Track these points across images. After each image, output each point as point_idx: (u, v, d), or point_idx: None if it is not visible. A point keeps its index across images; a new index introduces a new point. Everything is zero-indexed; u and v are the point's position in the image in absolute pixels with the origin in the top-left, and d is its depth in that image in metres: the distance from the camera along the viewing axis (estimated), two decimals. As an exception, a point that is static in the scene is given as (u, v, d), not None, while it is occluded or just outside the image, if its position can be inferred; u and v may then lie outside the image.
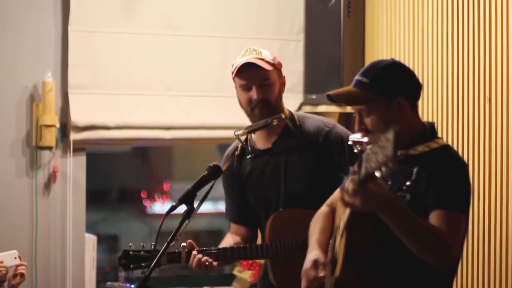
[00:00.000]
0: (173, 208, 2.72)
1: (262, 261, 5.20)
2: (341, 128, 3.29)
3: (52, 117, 4.60)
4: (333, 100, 2.68)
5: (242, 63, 3.25)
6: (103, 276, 5.04)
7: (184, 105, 4.89)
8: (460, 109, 3.99)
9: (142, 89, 4.83)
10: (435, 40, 4.21)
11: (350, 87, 2.63)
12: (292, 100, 4.93)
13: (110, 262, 5.32)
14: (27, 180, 4.66)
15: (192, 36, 4.92)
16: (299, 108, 4.98)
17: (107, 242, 5.42)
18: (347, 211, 2.52)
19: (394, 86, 2.58)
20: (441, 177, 2.52)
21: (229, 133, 4.96)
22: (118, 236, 5.58)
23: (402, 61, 4.43)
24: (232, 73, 3.30)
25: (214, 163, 2.81)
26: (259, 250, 3.16)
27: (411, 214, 2.44)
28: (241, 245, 3.21)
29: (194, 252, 3.14)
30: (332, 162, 3.17)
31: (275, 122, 3.21)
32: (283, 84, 3.29)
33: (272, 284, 3.24)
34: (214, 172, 2.78)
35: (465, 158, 3.92)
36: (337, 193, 2.78)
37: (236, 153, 3.34)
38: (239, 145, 3.34)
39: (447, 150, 2.61)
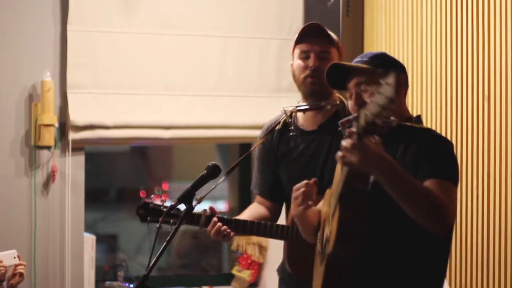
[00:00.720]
0: (172, 207, 2.72)
1: (261, 261, 5.22)
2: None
3: (51, 117, 4.60)
4: (331, 80, 2.73)
5: (308, 24, 3.20)
6: (102, 275, 5.04)
7: (183, 104, 4.89)
8: (459, 108, 3.99)
9: (141, 88, 4.82)
10: (434, 40, 4.21)
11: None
12: (290, 99, 4.93)
13: (109, 261, 5.32)
14: (26, 179, 4.66)
15: (191, 36, 4.92)
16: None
17: (106, 242, 5.42)
18: (339, 188, 2.52)
19: (396, 65, 2.73)
20: (432, 150, 2.58)
21: (228, 133, 5.01)
22: (117, 236, 5.58)
23: (401, 60, 4.46)
24: (295, 41, 3.24)
25: (213, 162, 2.81)
26: (278, 230, 3.11)
27: (409, 176, 2.45)
28: (262, 222, 3.15)
29: (215, 219, 3.10)
30: None
31: (328, 107, 3.17)
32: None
33: (290, 272, 3.23)
34: (213, 172, 2.78)
35: (464, 157, 3.92)
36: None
37: (278, 127, 3.29)
38: (282, 120, 3.28)
39: (433, 131, 2.74)
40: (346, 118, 2.48)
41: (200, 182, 2.75)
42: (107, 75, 4.76)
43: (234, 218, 3.18)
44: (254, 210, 3.33)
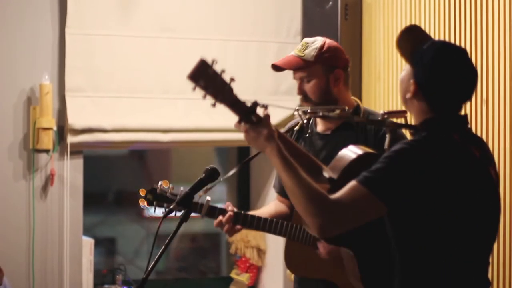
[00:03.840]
0: (170, 211, 2.72)
1: (260, 264, 5.22)
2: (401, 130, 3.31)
3: (49, 120, 4.60)
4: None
5: (278, 63, 3.26)
6: (100, 279, 5.04)
7: (182, 108, 4.89)
8: (457, 111, 4.00)
9: (139, 91, 4.83)
10: (432, 43, 4.21)
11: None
12: (289, 102, 4.94)
13: (108, 265, 5.31)
14: (24, 183, 4.66)
15: (189, 39, 4.92)
16: (296, 111, 4.98)
17: (104, 245, 5.41)
18: None
19: (418, 67, 2.52)
20: (387, 152, 2.43)
21: (227, 136, 5.01)
22: (115, 239, 5.58)
23: (399, 63, 4.47)
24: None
25: (211, 165, 2.81)
26: (278, 227, 3.15)
27: (294, 165, 2.42)
28: (268, 218, 3.20)
29: (230, 212, 3.17)
30: None
31: (337, 111, 3.20)
32: (333, 78, 3.22)
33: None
34: (211, 175, 2.77)
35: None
36: None
37: (296, 128, 3.35)
38: (300, 122, 3.34)
39: (424, 137, 2.45)
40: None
41: (199, 185, 2.74)
42: (105, 78, 4.76)
43: (238, 212, 3.22)
44: (272, 207, 3.41)
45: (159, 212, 3.25)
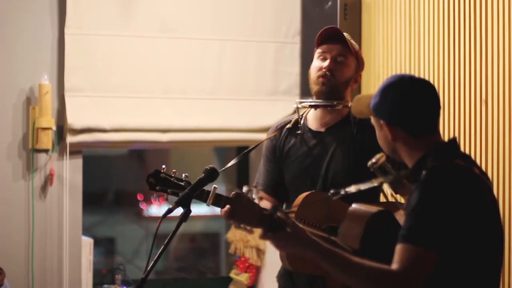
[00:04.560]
0: (170, 211, 2.71)
1: (259, 264, 5.21)
2: None
3: (48, 120, 4.60)
4: None
5: (328, 27, 3.26)
6: (99, 279, 5.04)
7: (181, 108, 4.90)
8: (457, 112, 4.00)
9: (138, 91, 4.83)
10: (432, 44, 4.21)
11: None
12: (288, 102, 4.94)
13: (107, 264, 5.31)
14: (23, 183, 4.65)
15: (189, 39, 4.92)
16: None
17: (103, 245, 5.42)
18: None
19: (378, 107, 2.49)
20: (412, 202, 2.35)
21: (225, 136, 5.01)
22: (115, 239, 5.58)
23: (398, 64, 4.47)
24: (316, 42, 3.30)
25: (211, 165, 2.81)
26: None
27: (342, 255, 2.37)
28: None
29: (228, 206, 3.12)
30: None
31: (340, 107, 3.22)
32: (356, 79, 3.27)
33: (289, 273, 3.25)
34: (211, 175, 2.77)
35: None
36: None
37: (288, 126, 3.34)
38: (293, 119, 3.33)
39: (437, 171, 2.38)
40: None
41: (198, 185, 2.74)
42: (104, 78, 4.76)
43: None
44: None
45: (158, 212, 3.23)
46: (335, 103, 3.22)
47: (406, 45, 4.44)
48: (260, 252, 5.21)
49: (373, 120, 2.55)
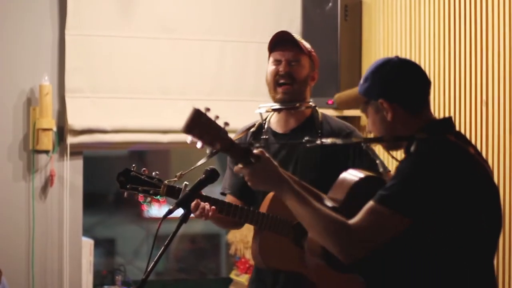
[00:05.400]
0: (170, 211, 2.71)
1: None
2: (360, 134, 3.34)
3: (49, 121, 4.60)
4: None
5: (278, 33, 3.26)
6: (100, 280, 5.04)
7: (181, 108, 4.89)
8: (457, 113, 4.00)
9: (139, 92, 4.83)
10: (432, 45, 4.21)
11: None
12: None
13: (107, 265, 5.31)
14: (24, 183, 4.66)
15: (189, 40, 4.93)
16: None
17: (104, 246, 5.42)
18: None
19: (373, 88, 2.50)
20: (399, 169, 2.40)
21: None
22: (115, 240, 5.58)
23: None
24: (268, 48, 3.31)
25: (211, 166, 2.81)
26: (259, 216, 3.09)
27: (307, 198, 2.41)
28: (244, 206, 3.14)
29: (198, 200, 3.13)
30: (346, 162, 3.15)
31: (303, 108, 3.22)
32: (313, 78, 3.28)
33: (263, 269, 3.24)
34: (211, 176, 2.77)
35: (462, 162, 3.92)
36: None
37: (252, 129, 3.34)
38: (257, 123, 3.33)
39: (422, 144, 2.42)
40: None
41: (198, 186, 2.74)
42: (105, 79, 4.77)
43: (215, 198, 3.18)
44: None
45: (158, 213, 3.23)
46: (297, 105, 3.22)
47: (406, 46, 4.44)
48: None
49: (362, 109, 2.55)
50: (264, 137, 3.30)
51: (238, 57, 5.02)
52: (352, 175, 2.86)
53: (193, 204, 3.14)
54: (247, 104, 5.02)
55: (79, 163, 4.76)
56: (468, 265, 2.38)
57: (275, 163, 2.52)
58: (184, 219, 2.64)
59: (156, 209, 5.53)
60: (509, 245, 3.68)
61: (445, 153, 2.38)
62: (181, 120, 5.03)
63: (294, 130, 3.28)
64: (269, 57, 3.32)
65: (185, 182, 3.05)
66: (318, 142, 2.70)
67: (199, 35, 4.94)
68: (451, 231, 2.35)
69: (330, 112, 4.78)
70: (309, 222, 2.40)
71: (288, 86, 3.21)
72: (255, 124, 3.36)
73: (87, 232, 4.96)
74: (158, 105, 4.86)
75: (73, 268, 4.72)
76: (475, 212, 2.37)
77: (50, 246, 4.69)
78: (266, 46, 5.20)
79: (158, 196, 3.16)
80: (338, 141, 2.71)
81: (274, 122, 3.33)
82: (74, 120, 4.67)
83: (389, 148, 2.55)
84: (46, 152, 4.67)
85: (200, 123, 2.51)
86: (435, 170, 2.33)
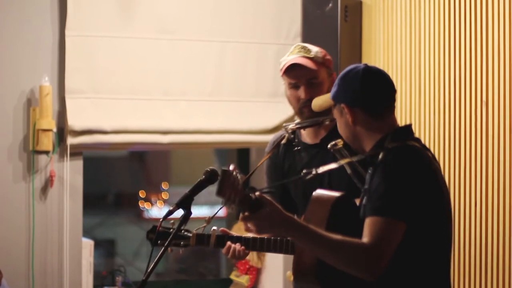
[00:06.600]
0: (170, 212, 2.71)
1: (259, 266, 5.22)
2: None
3: (49, 122, 4.60)
4: None
5: (289, 63, 3.23)
6: (100, 280, 5.04)
7: (182, 109, 4.90)
8: (457, 113, 4.00)
9: (139, 93, 4.83)
10: (432, 45, 4.21)
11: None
12: (287, 104, 4.93)
13: (107, 266, 5.31)
14: (24, 184, 4.65)
15: (189, 41, 4.92)
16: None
17: (104, 247, 5.41)
18: None
19: (338, 93, 2.67)
20: (376, 180, 2.51)
21: (226, 138, 5.01)
22: (115, 241, 5.58)
23: (399, 66, 4.47)
24: (281, 70, 3.29)
25: (211, 167, 2.81)
26: (289, 246, 3.12)
27: (317, 232, 2.45)
28: (272, 238, 3.13)
29: (229, 242, 3.18)
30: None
31: (327, 122, 3.21)
32: (332, 81, 3.24)
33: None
34: (211, 177, 2.77)
35: (463, 163, 3.92)
36: None
37: (283, 142, 3.34)
38: (286, 136, 3.33)
39: (397, 151, 2.55)
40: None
41: (198, 187, 2.74)
42: (105, 80, 4.76)
43: (244, 236, 3.19)
44: None
45: (158, 213, 3.24)
46: (321, 119, 3.20)
47: (406, 47, 4.44)
48: (260, 254, 5.20)
49: (334, 113, 2.69)
50: (297, 148, 3.30)
51: (238, 57, 5.01)
52: (325, 194, 2.88)
53: (225, 248, 3.20)
54: (247, 104, 5.02)
55: (79, 163, 4.76)
56: (443, 261, 2.60)
57: (277, 204, 2.54)
58: (184, 220, 2.64)
59: (156, 210, 5.53)
60: (509, 245, 3.67)
61: (416, 159, 2.54)
62: (181, 120, 5.00)
63: (325, 138, 3.24)
64: (282, 75, 3.30)
65: (214, 227, 3.07)
66: (314, 172, 2.80)
67: (199, 35, 4.94)
68: (432, 228, 2.53)
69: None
70: (326, 253, 2.47)
71: (310, 108, 3.16)
72: (284, 137, 3.35)
73: (87, 233, 4.95)
74: (158, 106, 4.86)
75: (73, 269, 4.72)
76: (439, 209, 2.57)
77: (50, 246, 4.69)
78: (266, 46, 5.18)
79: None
80: (332, 166, 2.80)
81: (304, 133, 3.33)
82: (74, 120, 4.66)
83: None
84: (46, 152, 4.66)
85: (231, 185, 2.53)
86: (412, 174, 2.49)
